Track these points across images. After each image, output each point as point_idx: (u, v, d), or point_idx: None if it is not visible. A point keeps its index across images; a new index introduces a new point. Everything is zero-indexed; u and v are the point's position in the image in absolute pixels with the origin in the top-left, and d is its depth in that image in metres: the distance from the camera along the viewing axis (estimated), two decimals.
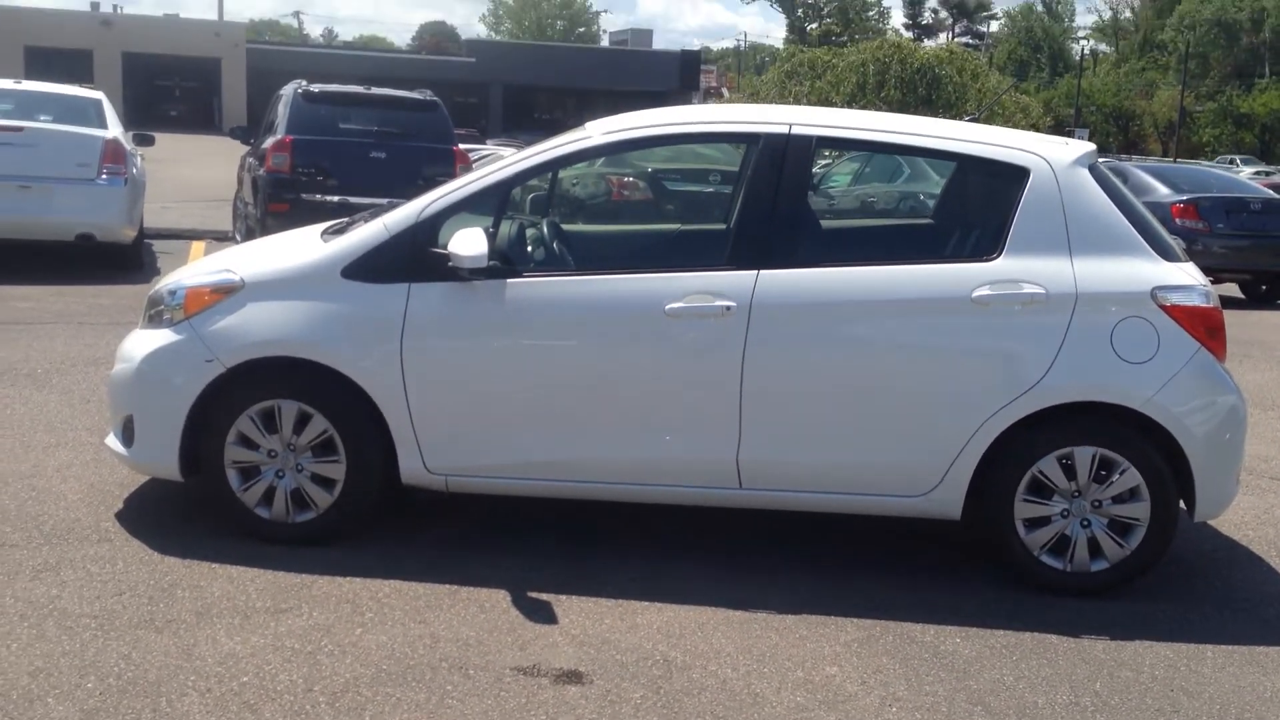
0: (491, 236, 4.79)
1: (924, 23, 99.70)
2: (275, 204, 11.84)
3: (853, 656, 4.23)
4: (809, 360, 4.79)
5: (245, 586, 4.49)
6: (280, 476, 4.90)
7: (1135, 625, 4.62)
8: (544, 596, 4.55)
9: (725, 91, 75.36)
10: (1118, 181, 5.17)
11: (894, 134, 5.31)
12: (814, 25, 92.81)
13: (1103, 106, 76.27)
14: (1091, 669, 4.24)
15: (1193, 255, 5.33)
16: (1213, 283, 5.09)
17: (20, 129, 11.36)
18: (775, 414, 4.78)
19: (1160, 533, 4.81)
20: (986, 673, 4.17)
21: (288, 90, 12.82)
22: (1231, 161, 55.10)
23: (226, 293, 4.91)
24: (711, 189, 12.39)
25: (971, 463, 4.78)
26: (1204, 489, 4.81)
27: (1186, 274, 4.89)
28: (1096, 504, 4.80)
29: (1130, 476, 4.75)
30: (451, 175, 9.97)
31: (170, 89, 57.93)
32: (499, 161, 5.19)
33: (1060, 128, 55.65)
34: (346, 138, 12.31)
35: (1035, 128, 36.40)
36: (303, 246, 5.16)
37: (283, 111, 12.55)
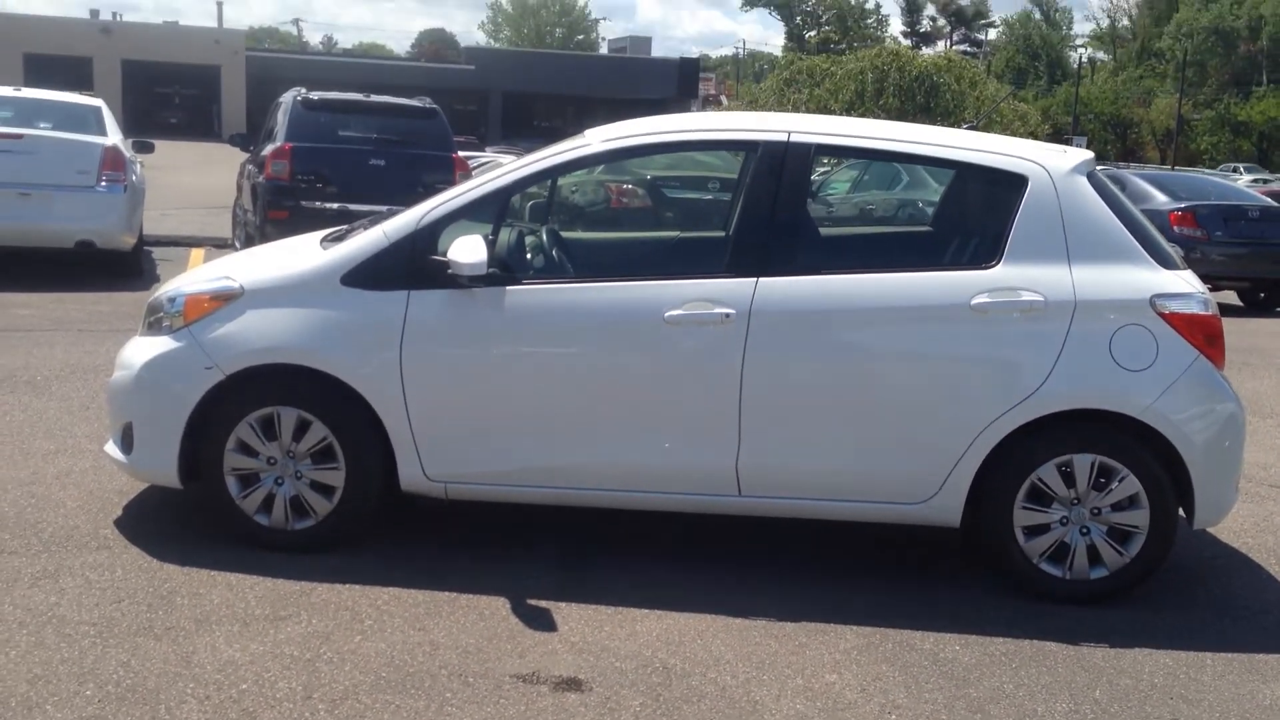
0: (491, 244, 4.79)
1: (922, 30, 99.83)
2: (275, 211, 11.85)
3: (852, 664, 4.23)
4: (808, 368, 4.79)
5: (244, 594, 4.48)
6: (279, 484, 4.90)
7: (1135, 633, 4.62)
8: (543, 604, 4.55)
9: (724, 99, 75.41)
10: (1116, 189, 5.18)
11: (892, 142, 5.32)
12: (812, 33, 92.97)
13: (1100, 114, 76.38)
14: (1091, 676, 4.24)
15: (1191, 263, 5.34)
16: (1211, 290, 5.10)
17: (20, 136, 11.37)
18: (774, 421, 4.78)
19: (1159, 540, 4.81)
20: (986, 680, 4.17)
21: (287, 98, 12.83)
22: (1235, 169, 55.07)
23: (226, 300, 4.91)
24: (710, 196, 12.41)
25: (971, 470, 4.78)
26: (1203, 496, 4.81)
27: (1185, 281, 4.90)
28: (1096, 511, 4.80)
29: (1129, 484, 4.75)
30: (451, 182, 10.00)
31: (170, 96, 57.97)
32: (498, 169, 5.20)
33: (1058, 136, 55.71)
34: (346, 145, 12.33)
35: (1033, 136, 36.45)
36: (302, 254, 5.16)
37: (282, 119, 12.56)
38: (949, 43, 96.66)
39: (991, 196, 5.17)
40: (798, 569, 5.12)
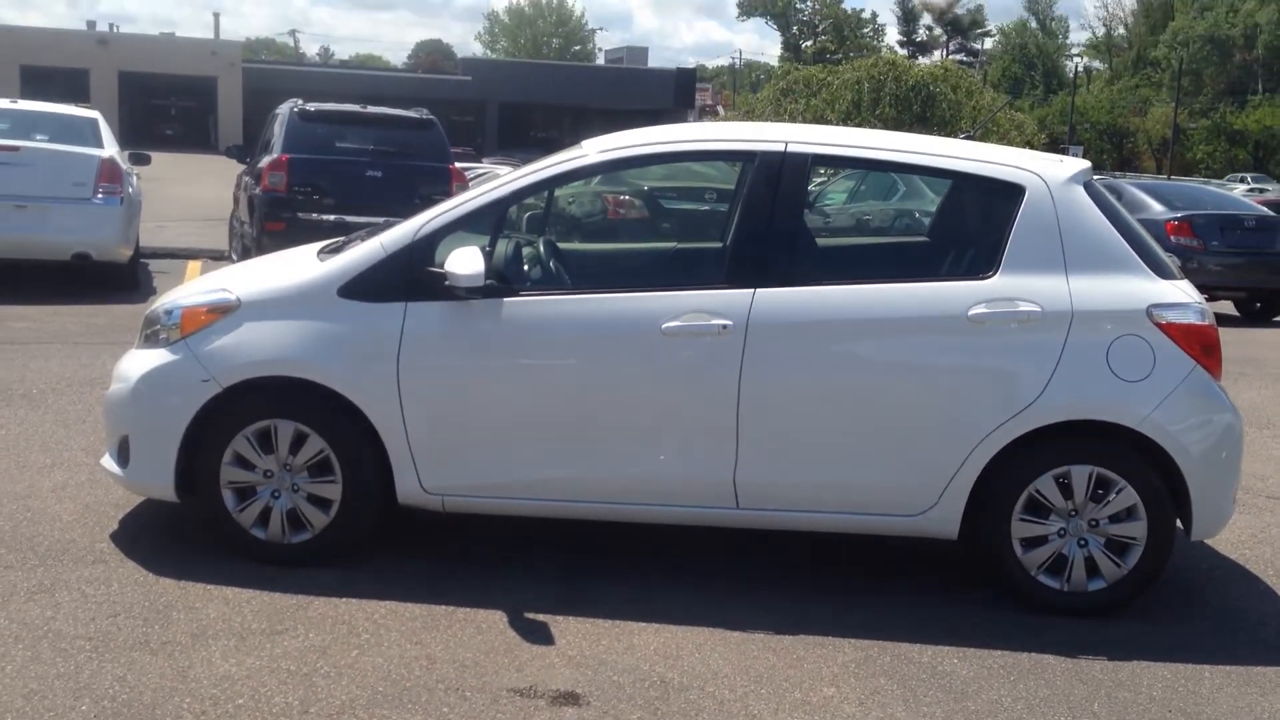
0: (488, 255, 4.79)
1: (918, 40, 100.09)
2: (271, 223, 11.84)
3: (850, 677, 4.22)
4: (805, 379, 4.79)
5: (241, 608, 4.47)
6: (276, 497, 4.89)
7: (1133, 645, 4.61)
8: (540, 617, 4.54)
9: (720, 109, 75.45)
10: (1113, 199, 5.18)
11: (889, 152, 5.32)
12: (809, 43, 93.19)
13: (1096, 124, 76.52)
14: (1089, 689, 4.23)
15: (1187, 273, 5.35)
16: (1207, 300, 5.10)
17: (16, 148, 11.37)
18: (772, 433, 4.77)
19: (1157, 552, 4.80)
20: (984, 693, 4.16)
21: (284, 109, 12.83)
22: (1241, 179, 55.02)
23: (223, 312, 4.91)
24: (707, 207, 12.41)
25: (968, 482, 4.77)
26: (1201, 508, 4.80)
27: (1182, 291, 4.90)
28: (1093, 523, 4.79)
29: (1127, 495, 4.75)
30: (448, 194, 9.98)
31: (166, 108, 58.00)
32: (495, 180, 5.20)
33: (1055, 145, 55.79)
34: (343, 156, 12.32)
35: (1030, 145, 36.52)
36: (299, 266, 5.15)
37: (279, 130, 12.55)
38: (945, 52, 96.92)
39: (988, 206, 5.18)
40: (795, 582, 5.11)
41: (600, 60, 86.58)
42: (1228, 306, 15.80)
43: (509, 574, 4.98)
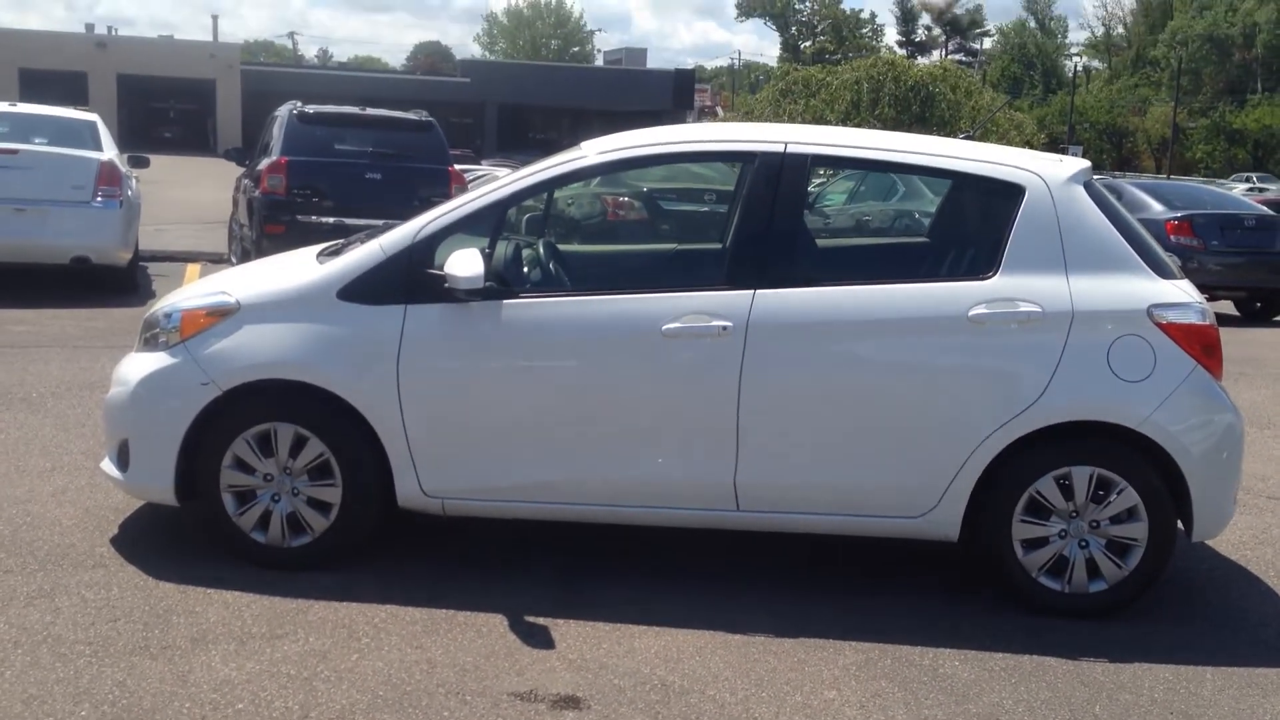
0: (488, 257, 4.79)
1: (917, 40, 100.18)
2: (271, 226, 11.83)
3: (851, 680, 4.21)
4: (806, 380, 4.78)
5: (241, 612, 4.46)
6: (276, 500, 4.88)
7: (1134, 647, 4.60)
8: (541, 621, 4.53)
9: (719, 110, 75.53)
10: (1113, 198, 5.17)
11: (889, 152, 5.31)
12: (808, 43, 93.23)
13: (1096, 123, 76.55)
14: (1091, 691, 4.22)
15: (1187, 272, 5.34)
16: (1207, 300, 5.09)
17: (15, 151, 11.36)
18: (772, 435, 4.77)
19: (1158, 553, 4.79)
20: (986, 696, 4.15)
21: (283, 111, 12.82)
22: (1246, 179, 54.95)
23: (222, 315, 4.90)
24: (707, 208, 12.40)
25: (969, 483, 4.76)
26: (1202, 508, 4.80)
27: (1182, 291, 4.89)
28: (1094, 524, 4.78)
29: (1128, 496, 4.74)
30: (447, 196, 9.97)
31: (165, 111, 57.96)
32: (495, 182, 5.19)
33: (1054, 145, 55.81)
34: (342, 159, 12.31)
35: (1029, 145, 36.52)
36: (298, 268, 5.15)
37: (278, 133, 12.54)
38: (944, 52, 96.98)
39: (988, 206, 5.17)
40: (796, 585, 5.10)
41: (599, 61, 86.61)
42: (1228, 306, 15.79)
43: (509, 577, 4.97)
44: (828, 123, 36.88)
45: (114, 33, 63.80)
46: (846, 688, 4.15)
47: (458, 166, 13.74)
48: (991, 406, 4.72)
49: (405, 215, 5.21)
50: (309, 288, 4.91)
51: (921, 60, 70.71)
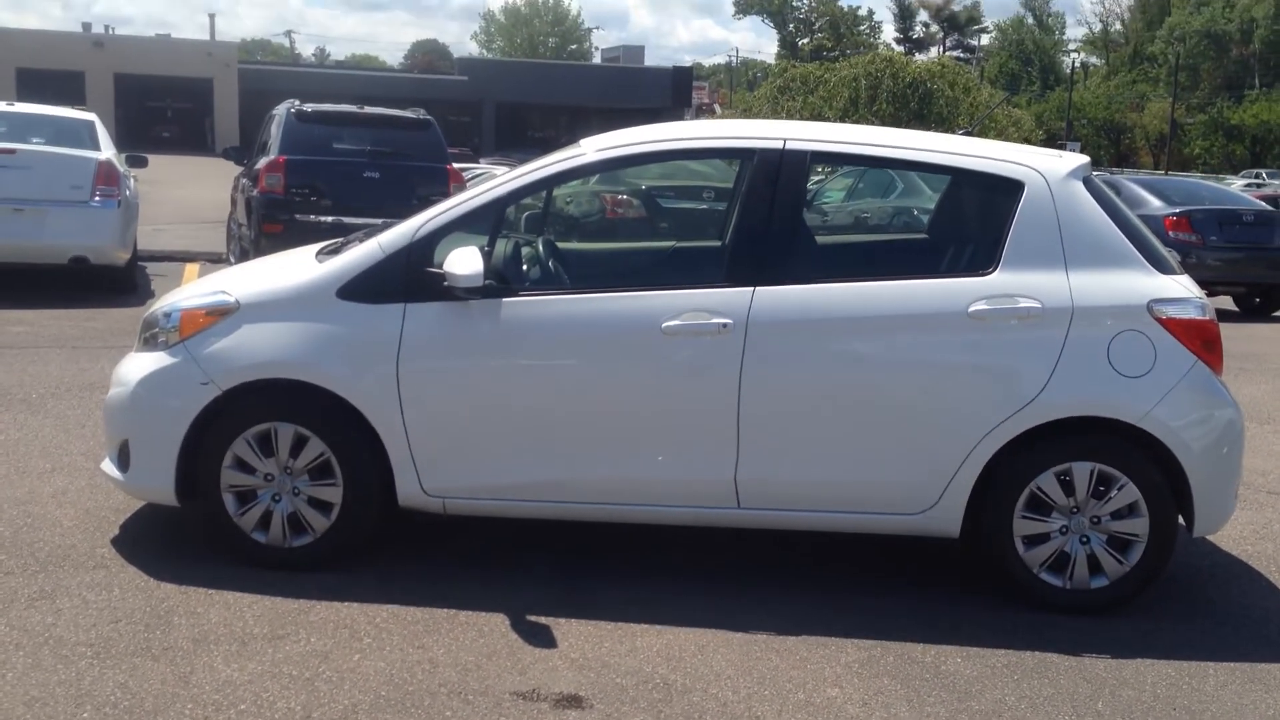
0: (487, 255, 4.78)
1: (915, 37, 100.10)
2: (269, 225, 11.82)
3: (854, 678, 4.21)
4: (806, 377, 4.77)
5: (242, 613, 4.46)
6: (277, 500, 4.88)
7: (1136, 643, 4.60)
8: (543, 620, 4.53)
9: (718, 107, 75.53)
10: (1112, 194, 5.16)
11: (888, 148, 5.30)
12: (805, 40, 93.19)
13: (1094, 119, 76.56)
14: (1093, 688, 4.22)
15: (1186, 268, 5.33)
16: (1206, 295, 5.09)
17: (13, 151, 11.35)
18: (773, 432, 4.76)
19: (1159, 549, 4.79)
20: (988, 693, 4.15)
21: (281, 110, 12.80)
22: (1257, 175, 54.85)
23: (222, 314, 4.89)
24: (706, 206, 12.41)
25: (970, 480, 4.76)
26: (1202, 504, 4.79)
27: (1182, 286, 4.89)
28: (1095, 520, 4.78)
29: (1129, 492, 4.74)
30: (445, 194, 9.97)
31: (162, 110, 57.85)
32: (493, 180, 5.18)
33: (1052, 141, 55.81)
34: (340, 157, 12.29)
35: (1028, 141, 36.52)
36: (297, 267, 5.14)
37: (276, 132, 12.53)
38: (942, 48, 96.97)
39: (988, 202, 5.16)
40: (798, 582, 5.10)
41: (597, 59, 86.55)
42: (1227, 302, 15.78)
43: (510, 576, 4.96)
44: (826, 119, 36.86)
45: (111, 32, 63.77)
46: (849, 685, 4.15)
47: (456, 165, 13.73)
48: (992, 402, 4.72)
49: (404, 214, 5.21)
50: (308, 287, 4.90)
51: (919, 57, 70.72)
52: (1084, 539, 4.79)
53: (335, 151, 12.32)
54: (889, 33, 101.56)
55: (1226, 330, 5.21)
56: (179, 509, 5.03)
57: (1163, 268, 4.90)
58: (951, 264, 5.20)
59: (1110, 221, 4.90)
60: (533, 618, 4.54)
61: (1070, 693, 4.17)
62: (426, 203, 5.76)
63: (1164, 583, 5.03)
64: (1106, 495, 4.75)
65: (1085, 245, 4.83)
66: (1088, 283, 4.77)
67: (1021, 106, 62.86)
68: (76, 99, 34.03)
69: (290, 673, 4.00)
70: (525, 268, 5.32)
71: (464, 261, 4.65)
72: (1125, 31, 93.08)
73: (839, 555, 5.40)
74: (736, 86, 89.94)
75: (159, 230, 17.68)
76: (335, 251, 5.17)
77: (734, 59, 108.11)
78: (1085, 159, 5.19)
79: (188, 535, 5.16)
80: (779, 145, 4.97)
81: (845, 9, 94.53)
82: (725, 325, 4.71)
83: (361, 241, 5.07)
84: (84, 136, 12.36)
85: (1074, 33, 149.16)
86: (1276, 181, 50.12)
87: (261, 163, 12.42)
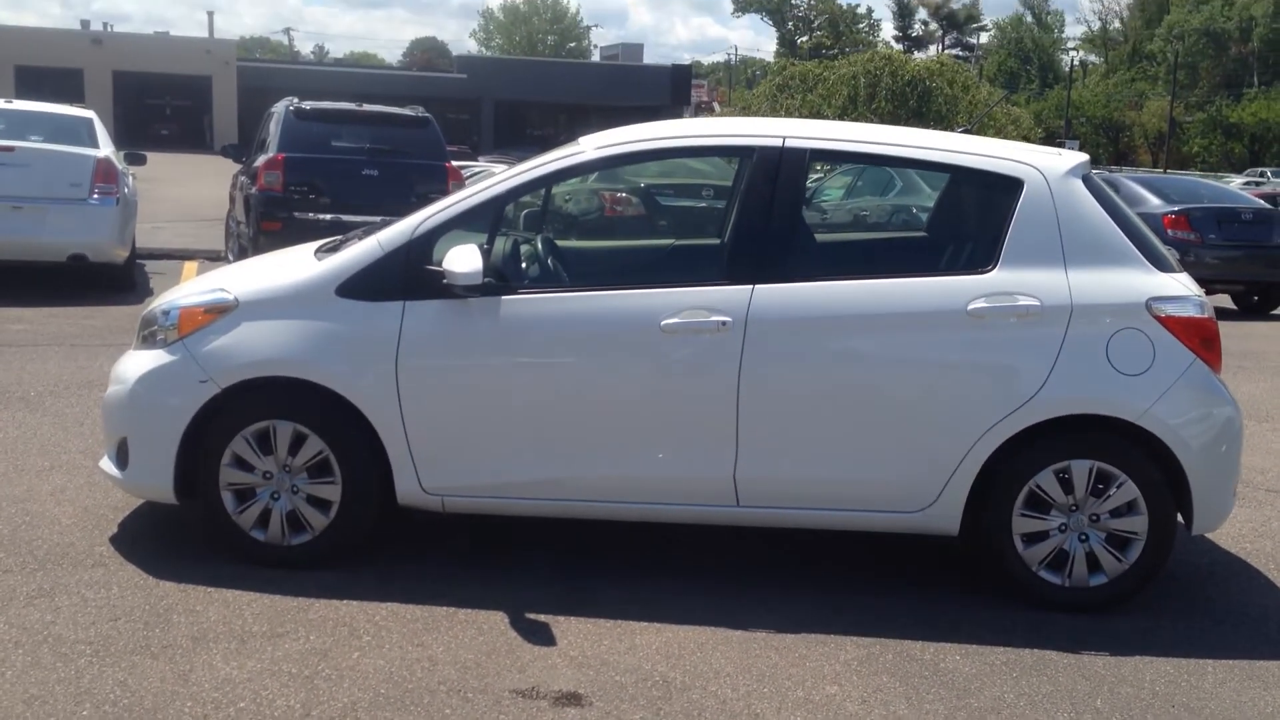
0: (486, 253, 4.77)
1: (914, 35, 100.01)
2: (268, 222, 11.82)
3: (853, 675, 4.21)
4: (805, 375, 4.77)
5: (241, 610, 4.46)
6: (276, 498, 4.87)
7: (1135, 640, 4.60)
8: (542, 618, 4.53)
9: (716, 105, 75.48)
10: (1111, 192, 5.16)
11: (887, 146, 5.29)
12: (804, 38, 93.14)
13: (1093, 118, 76.55)
14: (1092, 685, 4.22)
15: (1185, 266, 5.34)
16: (1205, 294, 5.09)
17: (12, 149, 11.35)
18: (772, 430, 4.76)
19: (1158, 546, 4.79)
20: (987, 690, 4.15)
21: (279, 108, 12.80)
22: (1261, 174, 54.77)
23: (220, 312, 4.89)
24: (705, 204, 12.42)
25: (969, 477, 4.76)
26: (1201, 502, 4.79)
27: (1181, 284, 4.89)
28: (1094, 518, 4.78)
29: (1127, 490, 4.74)
30: (444, 192, 9.97)
31: (161, 108, 57.81)
32: (492, 177, 5.18)
33: (1051, 139, 55.78)
34: (339, 155, 12.29)
35: (1027, 139, 36.52)
36: (296, 265, 5.14)
37: (274, 129, 12.53)
38: (941, 47, 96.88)
39: (987, 200, 5.16)
40: (797, 580, 5.10)
41: (595, 57, 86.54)
42: (1225, 300, 15.79)
43: (509, 574, 4.96)
44: (825, 118, 36.84)
45: (109, 29, 63.71)
46: (848, 683, 4.15)
47: (454, 163, 13.72)
48: (991, 400, 4.72)
49: (403, 211, 5.20)
50: (307, 284, 4.90)
51: (918, 55, 70.69)
52: (1083, 537, 4.80)
53: (334, 149, 12.32)
54: (888, 31, 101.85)
55: (1225, 329, 5.21)
56: (178, 507, 5.03)
57: (1162, 266, 4.90)
58: (951, 262, 5.20)
59: (1109, 219, 4.90)
60: (532, 616, 4.54)
61: (1069, 690, 4.17)
62: (425, 200, 5.75)
63: (1163, 580, 5.03)
64: (1105, 493, 4.75)
65: (1084, 243, 4.83)
66: (1087, 281, 4.77)
67: (1020, 105, 62.81)
68: (75, 96, 34.08)
69: (289, 670, 4.00)
70: (524, 265, 5.32)
71: (463, 259, 4.64)
72: (1124, 30, 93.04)
73: (838, 554, 5.40)
74: (735, 84, 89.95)
75: (157, 228, 17.68)
76: (334, 249, 5.17)
77: (733, 57, 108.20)
78: (1084, 157, 5.18)
79: (186, 533, 5.16)
80: (778, 143, 4.97)
81: (844, 7, 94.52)
82: (724, 323, 4.70)
83: (360, 239, 5.06)
84: (82, 134, 12.36)
85: (1073, 31, 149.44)
86: (1279, 180, 50.05)
87: (260, 160, 12.42)
